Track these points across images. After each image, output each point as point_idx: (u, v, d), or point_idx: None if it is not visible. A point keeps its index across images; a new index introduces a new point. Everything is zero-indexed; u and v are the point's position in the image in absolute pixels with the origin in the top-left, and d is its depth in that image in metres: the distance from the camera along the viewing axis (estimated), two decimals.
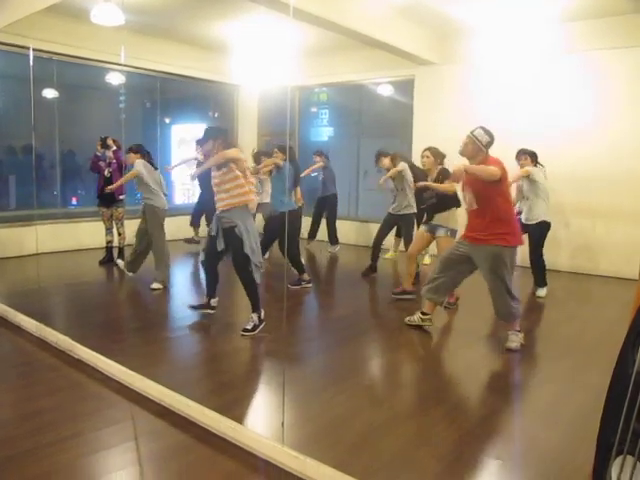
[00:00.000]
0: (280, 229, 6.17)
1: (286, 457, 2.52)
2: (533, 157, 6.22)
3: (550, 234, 7.68)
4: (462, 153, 4.28)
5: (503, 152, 7.10)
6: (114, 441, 2.79)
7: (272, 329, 4.73)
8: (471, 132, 4.23)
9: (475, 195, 4.23)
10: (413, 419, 3.19)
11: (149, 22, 8.04)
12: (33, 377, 3.63)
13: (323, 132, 10.98)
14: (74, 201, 9.56)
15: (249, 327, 4.52)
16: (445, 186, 5.21)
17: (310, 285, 6.32)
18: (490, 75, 8.10)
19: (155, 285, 5.92)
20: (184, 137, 10.74)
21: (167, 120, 10.92)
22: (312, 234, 9.01)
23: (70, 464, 2.56)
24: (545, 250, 7.62)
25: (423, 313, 4.75)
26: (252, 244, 4.46)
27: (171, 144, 10.84)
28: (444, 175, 5.37)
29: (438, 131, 8.39)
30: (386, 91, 9.63)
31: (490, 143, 4.23)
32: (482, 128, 4.22)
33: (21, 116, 6.71)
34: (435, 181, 5.38)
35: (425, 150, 5.59)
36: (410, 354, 4.51)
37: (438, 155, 5.54)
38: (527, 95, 7.74)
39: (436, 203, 5.41)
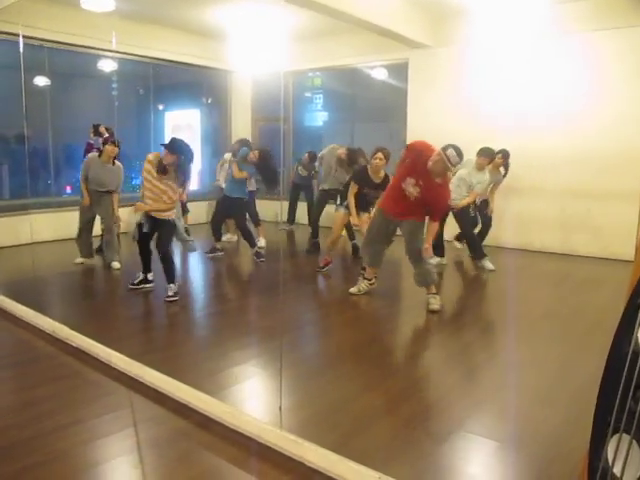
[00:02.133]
0: (225, 210, 7.05)
1: (284, 441, 2.54)
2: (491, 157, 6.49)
3: (544, 216, 7.75)
4: (431, 169, 4.56)
5: (498, 135, 7.15)
6: (113, 428, 2.80)
7: (268, 314, 4.77)
8: (443, 151, 4.47)
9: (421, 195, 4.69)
10: (410, 401, 3.21)
11: (140, 8, 7.96)
12: (31, 366, 3.64)
13: (317, 117, 10.93)
14: (68, 190, 9.51)
15: (171, 294, 5.07)
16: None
17: (263, 260, 6.78)
18: (485, 57, 8.05)
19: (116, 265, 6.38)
20: (178, 124, 10.68)
21: (160, 107, 10.85)
22: (291, 218, 9.29)
23: (70, 451, 2.57)
24: (540, 233, 7.71)
25: (368, 280, 5.33)
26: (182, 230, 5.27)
27: (165, 131, 10.78)
28: (387, 181, 5.72)
29: (432, 114, 8.38)
30: (380, 75, 9.57)
31: (458, 163, 4.70)
32: (454, 148, 4.46)
33: (12, 105, 6.64)
34: (382, 185, 5.68)
35: (379, 152, 5.78)
36: (405, 337, 4.53)
37: (388, 157, 5.85)
38: (522, 77, 7.70)
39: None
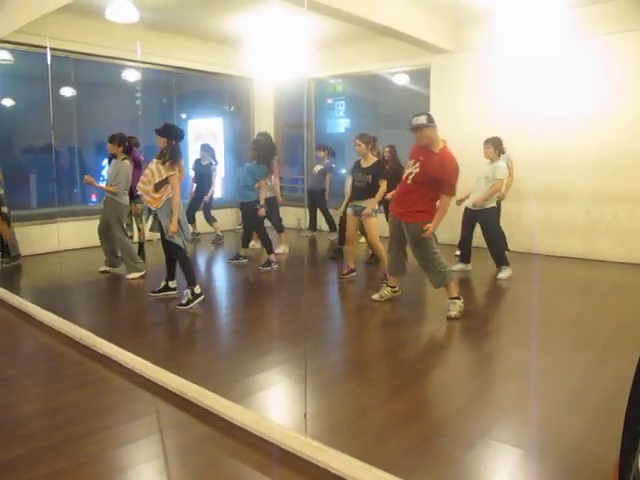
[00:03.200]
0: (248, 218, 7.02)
1: (309, 448, 2.54)
2: (497, 146, 6.40)
3: (569, 221, 7.63)
4: (419, 143, 4.76)
5: (520, 139, 7.08)
6: (139, 434, 2.83)
7: (292, 320, 4.78)
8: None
9: (418, 175, 4.70)
10: (435, 408, 3.19)
11: (163, 18, 8.07)
12: (59, 372, 3.69)
13: (340, 124, 10.94)
14: (94, 198, 9.65)
15: (184, 302, 5.05)
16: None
17: (275, 267, 6.84)
18: (506, 62, 7.99)
19: (130, 275, 6.33)
20: (201, 132, 10.78)
21: (183, 115, 10.96)
22: (312, 225, 9.47)
23: (97, 457, 2.60)
24: (565, 238, 7.61)
25: (391, 287, 5.34)
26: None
27: (188, 139, 10.89)
28: (380, 166, 6.05)
29: (454, 119, 8.32)
30: (402, 80, 9.55)
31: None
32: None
33: (40, 115, 6.79)
34: (372, 168, 5.94)
35: (356, 138, 6.05)
36: (429, 344, 4.50)
37: (369, 141, 6.03)
38: (542, 81, 7.62)
39: (365, 188, 5.98)
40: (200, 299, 5.12)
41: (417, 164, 4.69)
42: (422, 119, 4.61)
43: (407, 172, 4.81)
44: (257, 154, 6.85)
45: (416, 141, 4.77)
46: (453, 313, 4.75)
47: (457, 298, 4.82)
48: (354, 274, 6.32)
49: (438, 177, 4.59)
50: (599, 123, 7.21)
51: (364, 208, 5.94)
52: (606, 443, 2.62)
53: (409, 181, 4.74)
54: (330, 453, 2.46)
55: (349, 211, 6.22)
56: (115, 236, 6.31)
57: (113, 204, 6.29)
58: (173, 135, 5.04)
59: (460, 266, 6.61)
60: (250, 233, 7.30)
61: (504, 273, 6.30)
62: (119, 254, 6.59)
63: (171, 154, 4.99)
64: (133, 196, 7.03)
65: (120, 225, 6.32)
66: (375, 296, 5.33)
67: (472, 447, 2.67)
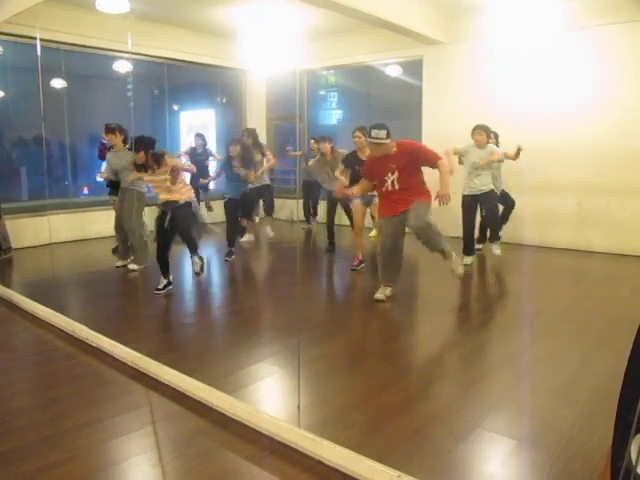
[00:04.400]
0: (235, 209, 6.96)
1: (302, 439, 2.54)
2: (487, 131, 6.36)
3: (561, 212, 7.66)
4: (377, 155, 4.79)
5: (513, 131, 7.08)
6: (133, 426, 2.82)
7: (286, 312, 4.78)
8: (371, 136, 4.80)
9: (400, 177, 4.76)
10: (428, 399, 3.19)
11: (155, 9, 8.00)
12: (51, 365, 3.68)
13: (332, 115, 10.90)
14: (85, 190, 9.59)
15: (197, 270, 5.48)
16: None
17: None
18: (499, 53, 7.98)
19: (132, 266, 6.32)
20: (193, 124, 10.72)
21: (175, 107, 10.89)
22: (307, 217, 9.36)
23: (89, 449, 2.59)
24: (556, 229, 7.63)
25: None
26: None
27: (180, 131, 10.83)
28: None
29: (447, 111, 8.34)
30: (394, 72, 9.51)
31: (377, 133, 4.84)
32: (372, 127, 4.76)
33: (30, 107, 6.72)
34: None
35: (356, 130, 5.93)
36: (422, 335, 4.51)
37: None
38: (536, 72, 7.62)
39: None
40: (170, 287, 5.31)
41: (394, 173, 4.77)
42: (383, 134, 4.66)
43: (388, 184, 4.81)
44: (254, 141, 6.95)
45: (372, 151, 4.85)
46: (459, 269, 4.91)
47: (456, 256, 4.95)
48: (364, 264, 6.29)
49: (417, 159, 4.75)
50: (592, 115, 7.22)
51: (372, 197, 5.86)
52: (600, 432, 2.64)
53: (396, 187, 4.79)
54: (323, 444, 2.46)
55: (358, 202, 6.12)
56: (132, 226, 6.19)
57: (136, 194, 6.18)
58: (147, 145, 5.14)
59: (470, 259, 6.46)
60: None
61: (498, 248, 6.38)
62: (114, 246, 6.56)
63: (153, 159, 5.10)
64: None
65: (141, 215, 6.26)
66: (379, 296, 5.05)
67: (466, 437, 2.68)
